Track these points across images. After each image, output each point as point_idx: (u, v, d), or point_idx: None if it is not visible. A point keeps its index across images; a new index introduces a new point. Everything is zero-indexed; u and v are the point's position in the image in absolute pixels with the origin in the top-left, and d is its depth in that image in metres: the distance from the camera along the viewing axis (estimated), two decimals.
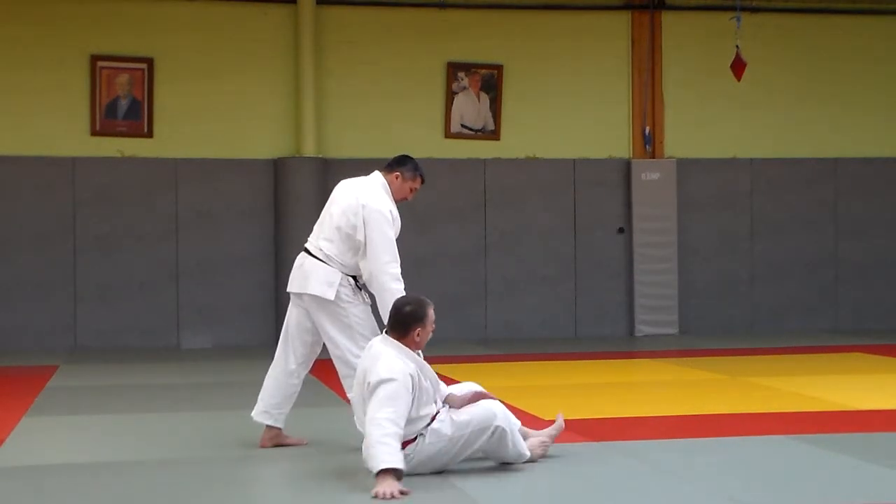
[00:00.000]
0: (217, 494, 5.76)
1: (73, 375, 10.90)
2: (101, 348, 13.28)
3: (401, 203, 6.74)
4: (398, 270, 6.46)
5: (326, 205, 6.76)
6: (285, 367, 6.74)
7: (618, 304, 14.45)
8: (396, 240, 6.56)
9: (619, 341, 13.77)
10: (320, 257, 6.57)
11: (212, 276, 13.72)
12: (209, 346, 13.56)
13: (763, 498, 5.49)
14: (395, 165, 6.74)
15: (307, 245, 6.69)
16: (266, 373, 6.89)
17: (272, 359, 6.87)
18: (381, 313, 6.43)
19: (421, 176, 6.78)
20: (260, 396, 6.79)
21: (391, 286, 6.41)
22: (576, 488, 5.71)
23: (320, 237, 6.64)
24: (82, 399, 9.33)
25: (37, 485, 5.98)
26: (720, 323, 14.76)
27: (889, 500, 5.33)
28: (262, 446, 6.77)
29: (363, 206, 6.49)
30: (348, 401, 6.60)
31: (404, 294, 6.38)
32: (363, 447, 5.60)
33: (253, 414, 6.79)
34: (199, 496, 5.72)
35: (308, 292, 6.55)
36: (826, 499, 5.49)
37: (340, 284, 6.51)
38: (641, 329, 14.39)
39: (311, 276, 6.56)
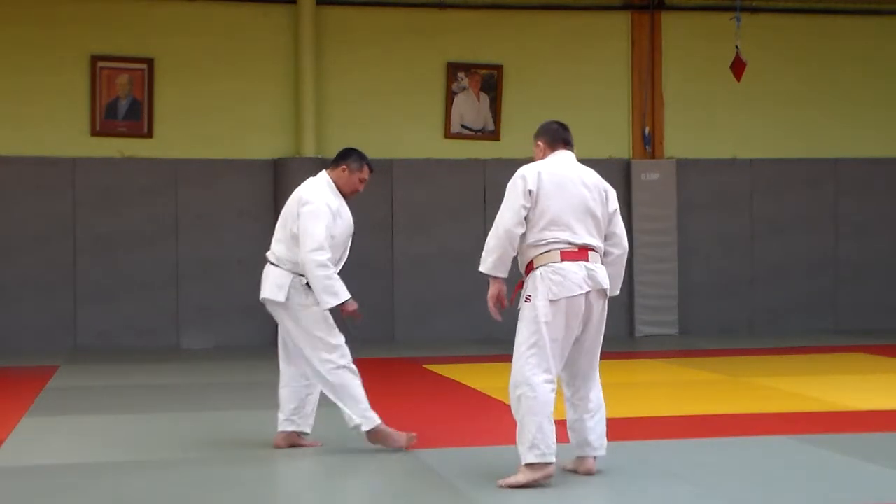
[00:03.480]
0: (217, 495, 5.76)
1: (73, 375, 10.90)
2: (101, 348, 13.27)
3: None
4: (323, 257, 6.46)
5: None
6: (293, 372, 6.74)
7: (618, 304, 14.39)
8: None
9: (619, 341, 13.76)
10: (273, 261, 6.68)
11: (212, 276, 13.71)
12: (209, 346, 13.56)
13: (763, 498, 5.49)
14: (340, 160, 6.80)
15: (267, 253, 6.78)
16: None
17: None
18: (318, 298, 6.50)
19: (368, 165, 6.83)
20: (279, 408, 6.80)
21: (316, 273, 6.45)
22: (576, 488, 5.71)
23: (273, 241, 6.76)
24: (82, 399, 9.33)
25: (37, 485, 5.98)
26: (720, 323, 14.75)
27: (889, 501, 5.33)
28: (277, 446, 6.77)
29: (299, 200, 6.61)
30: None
31: (331, 279, 6.42)
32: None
33: (279, 427, 6.80)
34: (199, 496, 5.72)
35: (263, 296, 6.67)
36: (826, 499, 5.49)
37: (291, 286, 6.56)
38: (641, 329, 14.38)
39: (265, 280, 6.68)
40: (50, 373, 10.91)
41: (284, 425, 6.75)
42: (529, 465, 5.61)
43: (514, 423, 5.72)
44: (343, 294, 6.48)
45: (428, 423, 7.31)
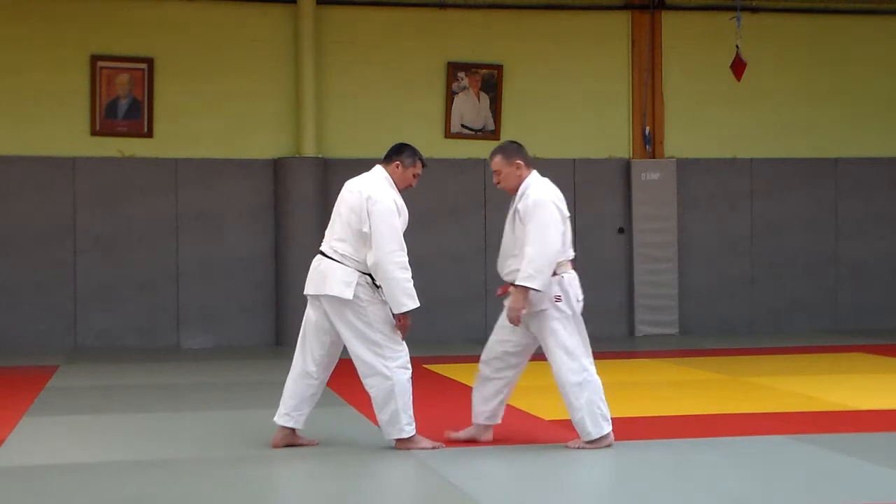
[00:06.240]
0: (217, 494, 5.76)
1: (73, 375, 10.90)
2: (101, 348, 13.28)
3: (405, 195, 6.76)
4: (405, 259, 6.48)
5: (335, 206, 6.78)
6: (303, 369, 6.73)
7: (618, 304, 14.43)
8: (404, 232, 6.59)
9: (619, 341, 13.77)
10: (336, 258, 6.58)
11: (212, 276, 13.71)
12: (209, 346, 13.56)
13: (763, 498, 5.49)
14: (394, 155, 6.78)
15: (322, 248, 6.71)
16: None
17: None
18: (388, 302, 6.44)
19: (421, 160, 6.84)
20: (281, 400, 6.79)
21: (397, 275, 6.43)
22: (576, 488, 5.71)
23: (333, 238, 6.66)
24: (82, 399, 9.33)
25: (37, 485, 5.98)
26: (720, 323, 14.75)
27: (889, 500, 5.33)
28: (275, 446, 6.77)
29: (367, 199, 6.53)
30: (367, 401, 6.60)
31: (410, 281, 6.46)
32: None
33: (275, 418, 6.79)
34: (199, 496, 5.72)
35: (326, 293, 6.55)
36: (826, 499, 5.49)
37: (358, 284, 6.51)
38: (641, 329, 14.38)
39: (328, 277, 6.56)
40: (50, 373, 10.91)
41: (283, 420, 6.74)
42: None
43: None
44: (417, 299, 6.49)
45: (428, 423, 7.30)
